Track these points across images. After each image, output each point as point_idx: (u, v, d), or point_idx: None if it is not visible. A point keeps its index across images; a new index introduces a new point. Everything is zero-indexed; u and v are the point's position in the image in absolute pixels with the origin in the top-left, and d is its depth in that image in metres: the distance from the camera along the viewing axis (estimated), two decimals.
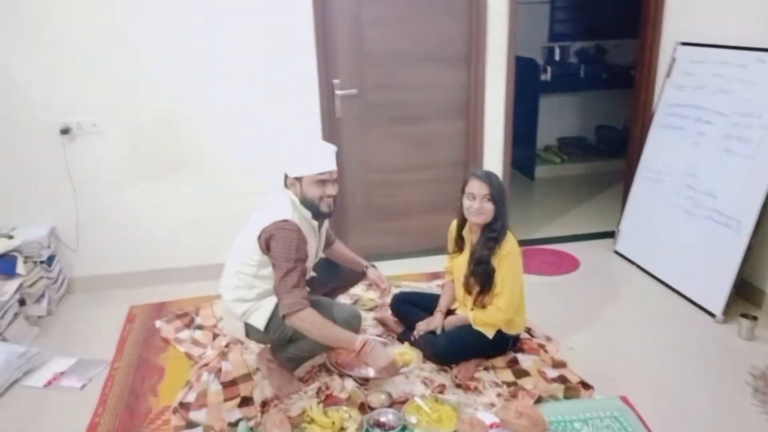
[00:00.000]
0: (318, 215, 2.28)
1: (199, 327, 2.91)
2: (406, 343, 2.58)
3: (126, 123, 3.19)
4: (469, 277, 2.52)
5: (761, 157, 2.80)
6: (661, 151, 3.48)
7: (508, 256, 2.43)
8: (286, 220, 2.15)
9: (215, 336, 2.82)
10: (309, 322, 2.14)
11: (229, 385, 2.44)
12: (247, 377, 2.49)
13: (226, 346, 2.70)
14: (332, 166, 2.26)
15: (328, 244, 2.60)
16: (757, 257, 2.93)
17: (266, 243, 2.16)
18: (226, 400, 2.35)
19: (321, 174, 2.22)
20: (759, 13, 2.88)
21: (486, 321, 2.47)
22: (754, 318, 2.76)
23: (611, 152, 5.59)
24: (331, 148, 2.28)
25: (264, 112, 3.30)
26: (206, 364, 2.58)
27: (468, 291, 2.54)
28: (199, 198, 3.37)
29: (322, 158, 2.23)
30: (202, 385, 2.43)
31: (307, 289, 2.24)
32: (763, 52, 2.85)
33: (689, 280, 3.14)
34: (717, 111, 3.08)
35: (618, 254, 3.72)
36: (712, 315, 2.93)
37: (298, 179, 2.23)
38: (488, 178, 2.42)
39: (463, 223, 2.57)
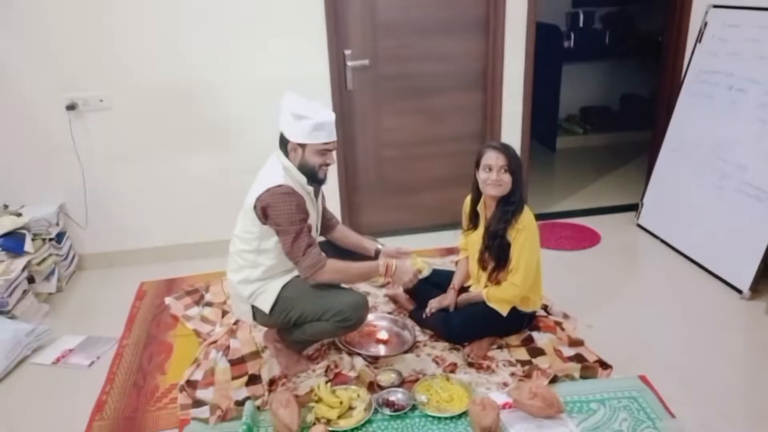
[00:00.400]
0: (315, 181, 2.25)
1: (209, 304, 2.88)
2: (414, 254, 2.57)
3: (134, 97, 3.13)
4: (483, 252, 2.43)
5: None
6: (689, 122, 3.31)
7: (524, 230, 2.33)
8: (279, 185, 2.11)
9: (224, 313, 2.79)
10: (333, 272, 2.18)
11: (237, 363, 2.41)
12: (256, 355, 2.46)
13: (235, 323, 2.66)
14: (335, 136, 2.22)
15: (330, 227, 2.52)
16: None
17: (263, 212, 2.12)
18: (233, 379, 2.32)
19: (326, 144, 2.18)
20: None
21: (500, 297, 2.38)
22: None
23: (636, 123, 5.35)
24: (332, 116, 2.22)
25: (273, 83, 3.20)
26: (214, 342, 2.55)
27: (483, 267, 2.46)
28: (211, 173, 3.31)
29: (327, 127, 2.18)
30: (210, 363, 2.40)
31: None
32: None
33: (716, 255, 3.00)
34: (752, 79, 2.90)
35: (641, 228, 3.59)
36: (739, 291, 2.81)
37: (302, 146, 2.17)
38: (505, 148, 2.33)
39: (477, 198, 2.48)
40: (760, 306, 2.70)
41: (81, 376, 2.44)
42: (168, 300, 2.93)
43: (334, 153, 2.25)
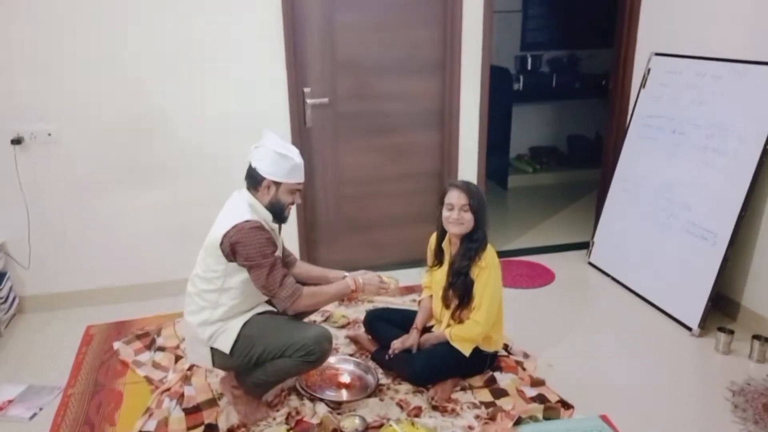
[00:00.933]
0: (281, 219, 2.26)
1: (161, 348, 2.76)
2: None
3: (85, 131, 3.03)
4: (447, 289, 2.43)
5: (737, 169, 2.78)
6: (636, 162, 3.45)
7: (487, 268, 2.36)
8: (247, 221, 2.09)
9: (177, 358, 2.67)
10: (309, 298, 2.20)
11: (193, 411, 2.30)
12: (212, 403, 2.36)
13: (189, 369, 2.55)
14: (304, 178, 2.27)
15: (289, 264, 2.48)
16: (733, 270, 2.92)
17: (231, 248, 2.08)
18: (188, 429, 2.21)
19: (299, 184, 2.23)
20: (734, 24, 2.87)
21: (463, 336, 2.38)
22: (731, 332, 2.74)
23: (583, 162, 5.60)
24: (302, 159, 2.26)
25: (233, 120, 3.17)
26: (167, 389, 2.44)
27: (446, 305, 2.46)
28: (164, 209, 3.22)
29: (302, 169, 2.23)
30: (163, 413, 2.29)
31: (268, 309, 2.27)
32: (739, 64, 2.84)
33: (665, 294, 3.11)
34: (692, 122, 3.07)
35: (592, 266, 3.69)
36: (688, 328, 2.91)
37: (277, 184, 2.18)
38: (467, 187, 2.36)
39: (442, 235, 2.50)
40: (709, 343, 2.80)
41: (22, 429, 2.27)
42: (117, 345, 2.79)
43: (301, 194, 2.28)
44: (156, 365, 2.64)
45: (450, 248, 2.47)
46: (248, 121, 3.17)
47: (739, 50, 2.85)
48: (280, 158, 2.15)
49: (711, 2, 2.99)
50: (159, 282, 3.27)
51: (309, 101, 3.28)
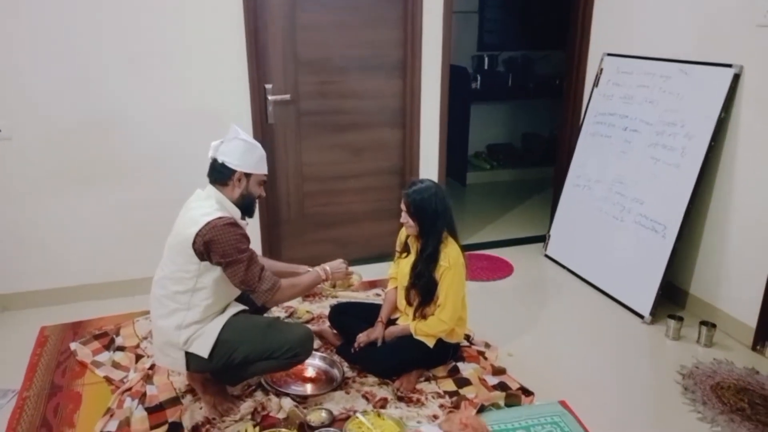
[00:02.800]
0: (250, 214, 2.26)
1: (120, 348, 2.70)
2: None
3: (37, 128, 2.93)
4: (410, 289, 2.47)
5: (685, 164, 2.92)
6: (589, 159, 3.58)
7: (450, 268, 2.39)
8: (219, 217, 2.06)
9: (138, 357, 2.62)
10: (288, 289, 2.21)
11: (155, 410, 2.27)
12: (175, 401, 2.32)
13: (151, 368, 2.51)
14: None
15: None
16: (682, 260, 3.06)
17: (205, 247, 2.03)
18: (152, 428, 2.17)
19: (265, 175, 2.24)
20: (681, 26, 3.01)
21: (427, 332, 2.43)
22: (680, 319, 2.87)
23: (538, 159, 5.75)
24: None
25: (193, 117, 3.12)
26: (129, 389, 2.39)
27: (409, 302, 2.50)
28: (120, 208, 3.14)
29: (266, 161, 2.25)
30: (125, 413, 2.24)
31: (241, 308, 2.26)
32: (686, 64, 2.98)
33: (618, 283, 3.23)
34: (643, 120, 3.20)
35: (548, 258, 3.80)
36: (640, 316, 3.03)
37: (248, 176, 2.17)
38: (410, 195, 2.38)
39: None
40: (660, 330, 2.93)
41: None
42: (74, 345, 2.71)
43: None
44: (116, 365, 2.58)
45: (416, 244, 2.50)
46: (209, 117, 3.13)
47: (685, 51, 3.00)
48: (251, 148, 2.16)
49: (659, 6, 3.13)
50: (115, 281, 3.20)
51: (271, 98, 3.26)
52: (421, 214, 2.36)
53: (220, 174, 2.16)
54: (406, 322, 2.52)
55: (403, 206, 2.40)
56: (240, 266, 2.05)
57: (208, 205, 2.11)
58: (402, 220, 2.43)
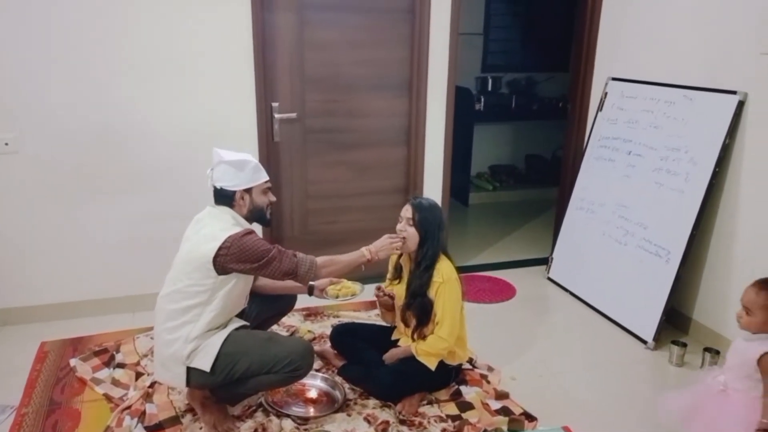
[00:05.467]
0: (264, 223, 2.33)
1: (120, 365, 2.68)
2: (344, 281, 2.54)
3: (44, 142, 2.93)
4: (405, 310, 2.46)
5: (689, 190, 2.92)
6: (593, 182, 3.58)
7: (445, 284, 2.38)
8: (237, 232, 2.11)
9: (138, 375, 2.60)
10: (327, 268, 2.25)
11: (155, 429, 2.25)
12: (175, 420, 2.30)
13: (151, 386, 2.49)
14: None
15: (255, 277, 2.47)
16: (685, 286, 3.05)
17: (239, 256, 2.07)
18: None
19: (267, 182, 2.26)
20: (686, 52, 3.04)
21: (429, 351, 2.40)
22: (684, 345, 2.85)
23: (540, 181, 5.76)
24: None
25: (200, 133, 3.13)
26: (128, 407, 2.36)
27: (405, 323, 2.49)
28: (124, 223, 3.13)
29: (261, 167, 2.27)
30: (124, 431, 2.22)
31: (242, 323, 2.26)
32: (690, 90, 3.00)
33: (621, 308, 3.22)
34: (647, 145, 3.21)
35: (551, 281, 3.78)
36: (644, 342, 3.01)
37: (248, 191, 2.21)
38: (418, 205, 2.39)
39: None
40: (663, 356, 2.91)
41: None
42: (73, 362, 2.69)
43: (271, 192, 2.32)
44: (116, 382, 2.56)
45: (408, 264, 2.50)
46: (215, 134, 3.14)
47: (690, 77, 3.01)
48: (239, 165, 2.17)
49: (664, 32, 3.16)
50: (116, 297, 3.19)
51: (277, 116, 3.28)
52: (425, 223, 2.36)
53: (224, 198, 2.20)
54: (407, 343, 2.50)
55: (406, 214, 2.38)
56: (275, 263, 2.12)
57: (225, 220, 2.15)
58: (398, 228, 2.40)
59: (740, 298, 2.03)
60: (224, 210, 2.20)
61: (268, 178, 2.26)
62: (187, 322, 2.12)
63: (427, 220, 2.37)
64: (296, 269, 2.15)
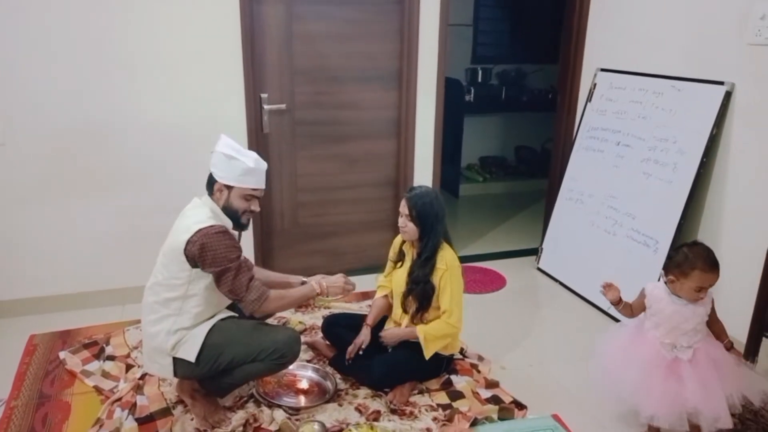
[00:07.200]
0: (239, 226, 2.23)
1: (110, 357, 2.67)
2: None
3: (31, 136, 2.91)
4: (406, 295, 2.46)
5: (677, 180, 2.95)
6: (582, 173, 3.60)
7: (448, 270, 2.40)
8: (211, 225, 2.07)
9: (128, 367, 2.59)
10: (277, 300, 2.19)
11: (146, 421, 2.24)
12: (166, 412, 2.30)
13: (141, 378, 2.48)
14: (264, 185, 2.24)
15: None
16: None
17: (196, 254, 2.04)
18: None
19: (254, 189, 2.19)
20: (674, 43, 3.05)
21: (436, 336, 2.39)
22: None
23: (530, 172, 5.79)
24: (264, 165, 2.23)
25: (187, 125, 3.11)
26: (118, 399, 2.36)
27: (405, 310, 2.49)
28: (111, 216, 3.12)
29: (257, 174, 2.19)
30: (115, 423, 2.22)
31: (230, 314, 2.25)
32: (678, 81, 3.01)
33: None
34: (636, 135, 3.23)
35: (541, 271, 3.81)
36: None
37: (229, 188, 2.16)
38: (413, 198, 2.40)
39: None
40: None
41: None
42: (63, 354, 2.68)
43: (259, 201, 2.24)
44: (106, 375, 2.55)
45: (411, 250, 2.51)
46: (204, 126, 3.12)
47: (678, 68, 3.03)
48: (228, 159, 2.13)
49: (653, 23, 3.17)
50: (105, 290, 3.17)
51: (266, 107, 3.27)
52: (423, 217, 2.37)
53: (209, 183, 2.19)
54: (411, 327, 2.49)
55: (404, 210, 2.39)
56: (228, 275, 2.06)
57: (202, 213, 2.12)
58: (400, 224, 2.42)
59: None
60: (206, 201, 2.18)
61: (256, 187, 2.18)
62: (169, 315, 2.12)
63: (423, 213, 2.38)
64: (244, 294, 2.09)
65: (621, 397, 2.22)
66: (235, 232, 2.21)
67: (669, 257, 2.20)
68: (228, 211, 2.18)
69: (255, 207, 2.23)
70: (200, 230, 2.04)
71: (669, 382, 2.06)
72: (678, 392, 2.04)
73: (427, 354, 2.40)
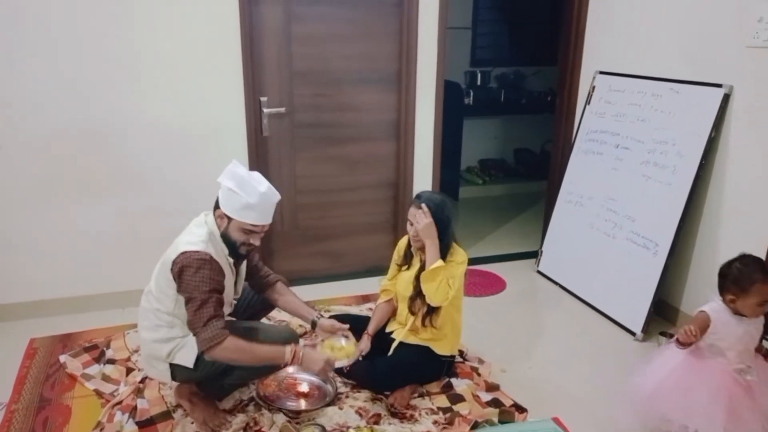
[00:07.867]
0: (235, 256, 2.17)
1: (111, 361, 2.67)
2: (343, 338, 2.43)
3: (29, 138, 2.91)
4: (415, 298, 2.45)
5: (676, 182, 2.95)
6: (581, 175, 3.60)
7: (454, 261, 2.39)
8: (197, 251, 2.02)
9: (129, 371, 2.59)
10: (233, 350, 2.01)
11: (146, 425, 2.25)
12: (166, 415, 2.30)
13: (142, 381, 2.48)
14: (267, 220, 2.15)
15: (267, 285, 2.45)
16: (673, 277, 3.08)
17: (177, 275, 2.02)
18: None
19: (253, 225, 2.11)
20: (673, 46, 3.06)
21: (440, 272, 2.31)
22: (672, 336, 2.87)
23: (529, 174, 5.79)
24: (275, 199, 2.15)
25: (186, 129, 3.12)
26: (119, 403, 2.36)
27: (412, 312, 2.47)
28: (111, 219, 3.12)
29: (261, 210, 2.10)
30: (115, 427, 2.22)
31: (226, 318, 2.15)
32: (677, 83, 3.02)
33: (610, 300, 3.25)
34: (635, 138, 3.23)
35: (541, 274, 3.81)
36: (632, 333, 3.04)
37: (228, 218, 2.10)
38: (427, 201, 2.37)
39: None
40: (652, 347, 2.93)
41: None
42: (63, 358, 2.68)
43: (261, 235, 2.17)
44: (106, 378, 2.55)
45: (420, 254, 2.48)
46: (203, 130, 3.13)
47: (676, 71, 3.04)
48: (230, 193, 2.07)
49: (652, 25, 3.18)
50: (106, 293, 3.17)
51: (266, 110, 3.27)
52: (438, 219, 2.34)
53: (215, 205, 2.14)
54: (400, 333, 2.50)
55: (416, 215, 2.34)
56: (193, 304, 1.99)
57: (198, 234, 2.09)
58: (410, 234, 2.40)
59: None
60: (209, 221, 2.13)
61: (257, 223, 2.09)
62: (161, 326, 2.11)
63: (438, 216, 2.34)
64: (200, 330, 1.98)
65: (667, 418, 2.11)
66: (232, 260, 2.16)
67: (722, 275, 2.06)
68: (226, 240, 2.12)
69: (255, 241, 2.14)
70: (185, 252, 2.02)
71: (742, 407, 1.98)
72: (748, 417, 1.97)
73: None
